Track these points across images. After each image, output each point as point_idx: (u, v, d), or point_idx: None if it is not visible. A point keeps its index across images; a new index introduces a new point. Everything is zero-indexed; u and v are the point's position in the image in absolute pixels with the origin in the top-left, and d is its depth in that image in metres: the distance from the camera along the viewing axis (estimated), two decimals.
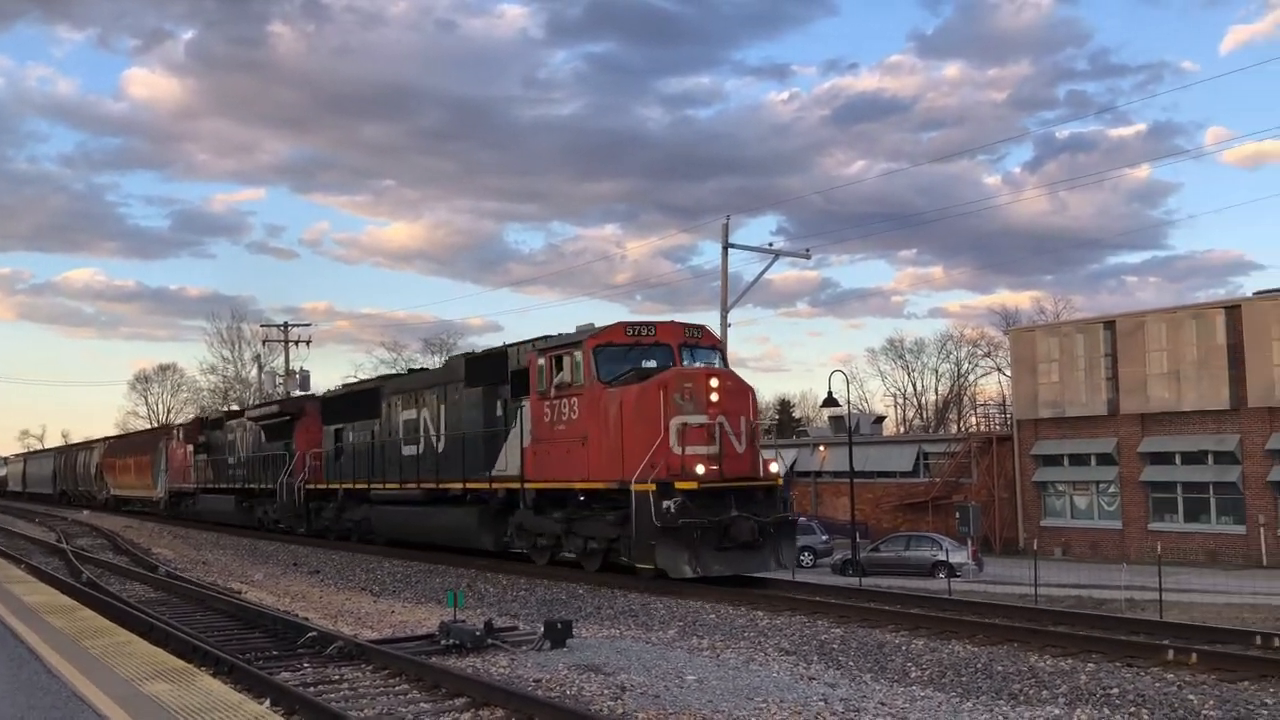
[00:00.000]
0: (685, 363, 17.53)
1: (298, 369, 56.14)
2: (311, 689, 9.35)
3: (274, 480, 30.93)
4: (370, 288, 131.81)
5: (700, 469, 15.91)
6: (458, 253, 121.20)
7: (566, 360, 17.91)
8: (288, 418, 30.92)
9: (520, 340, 20.30)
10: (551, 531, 18.87)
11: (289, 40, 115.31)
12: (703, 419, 16.33)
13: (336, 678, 10.03)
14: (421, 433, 23.33)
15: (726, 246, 32.64)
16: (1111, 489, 37.63)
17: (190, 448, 40.21)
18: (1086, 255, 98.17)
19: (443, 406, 22.47)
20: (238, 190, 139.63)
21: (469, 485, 21.07)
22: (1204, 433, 34.04)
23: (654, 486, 15.62)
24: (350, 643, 11.20)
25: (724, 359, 18.84)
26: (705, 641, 12.10)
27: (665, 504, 15.48)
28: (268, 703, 8.52)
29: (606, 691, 9.24)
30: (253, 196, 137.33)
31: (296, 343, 59.76)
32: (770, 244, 34.12)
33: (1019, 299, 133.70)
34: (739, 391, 17.20)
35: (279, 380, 56.98)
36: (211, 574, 21.72)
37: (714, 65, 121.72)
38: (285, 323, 60.19)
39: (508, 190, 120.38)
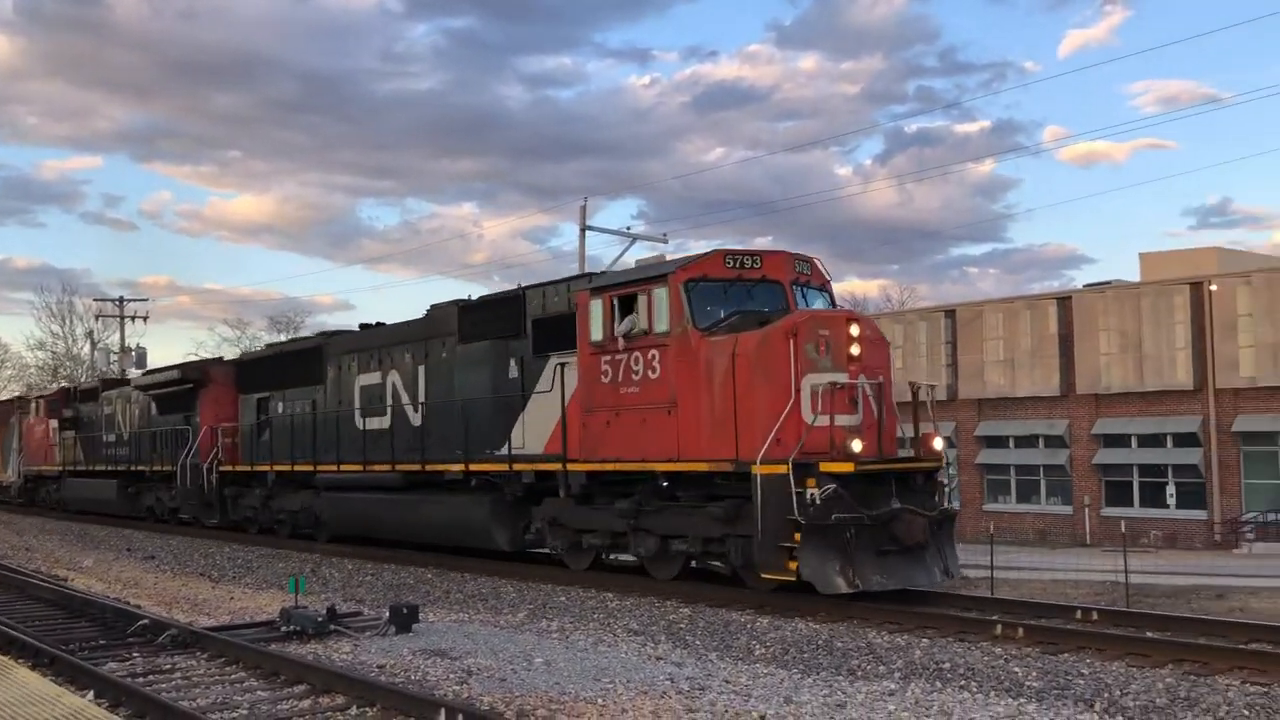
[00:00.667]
0: (799, 306, 13.63)
1: (134, 346, 53.70)
2: (140, 679, 8.95)
3: (173, 461, 25.99)
4: (214, 262, 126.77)
5: (856, 445, 12.05)
6: (308, 228, 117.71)
7: (642, 301, 13.63)
8: (190, 385, 26.16)
9: (542, 281, 16.32)
10: (608, 528, 14.57)
11: (130, 1, 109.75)
12: (843, 378, 12.48)
13: (168, 667, 9.63)
14: (389, 401, 19.08)
15: (584, 229, 32.65)
16: (950, 471, 39.27)
17: (54, 423, 34.86)
18: (931, 246, 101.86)
19: (421, 368, 18.26)
20: (72, 157, 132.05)
21: (476, 468, 16.64)
22: (1036, 417, 35.76)
23: (788, 468, 11.80)
24: (184, 630, 10.78)
25: (833, 303, 14.65)
26: (555, 624, 12.09)
27: (810, 492, 11.73)
28: (91, 695, 8.12)
29: (452, 676, 9.13)
30: (88, 164, 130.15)
31: (133, 318, 57.27)
32: (628, 227, 34.26)
33: (867, 287, 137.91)
34: (879, 343, 13.49)
35: (113, 357, 54.40)
36: (35, 560, 20.60)
37: (575, 46, 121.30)
38: (121, 297, 57.60)
39: (362, 165, 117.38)
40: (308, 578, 16.50)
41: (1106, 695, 8.20)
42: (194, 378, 26.36)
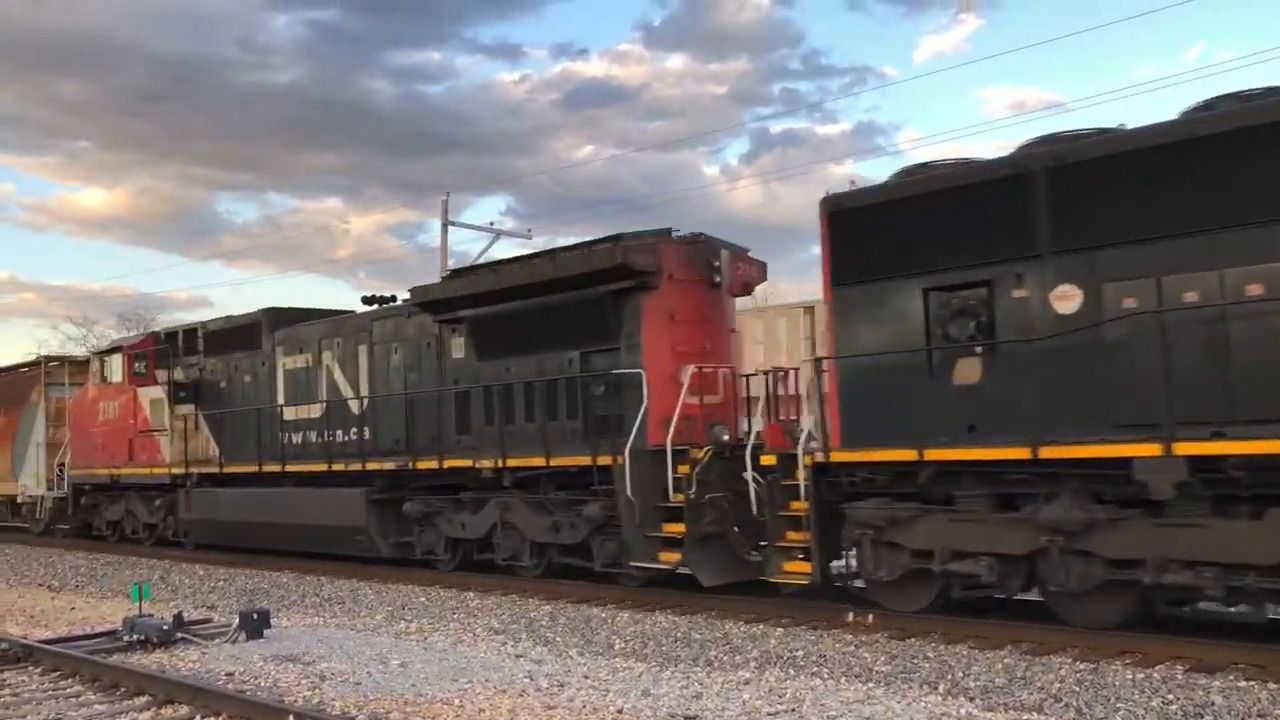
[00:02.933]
0: None
1: None
2: None
3: (585, 442, 13.08)
4: (60, 257, 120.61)
5: None
6: (162, 222, 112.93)
7: None
8: (628, 287, 12.91)
9: None
10: None
11: None
12: None
13: None
14: None
15: (446, 224, 32.29)
16: None
17: (147, 394, 20.55)
18: (795, 244, 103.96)
19: None
20: None
21: None
22: None
23: None
24: (16, 644, 10.24)
25: None
26: (413, 625, 11.91)
27: None
28: None
29: (305, 681, 8.91)
30: None
31: None
32: (491, 223, 34.01)
33: None
34: None
35: None
36: None
37: (445, 41, 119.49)
38: None
39: (220, 158, 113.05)
40: (156, 585, 15.90)
41: (950, 677, 8.52)
42: (641, 267, 12.76)
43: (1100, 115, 20.91)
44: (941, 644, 9.69)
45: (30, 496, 24.49)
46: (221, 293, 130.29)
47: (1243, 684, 7.91)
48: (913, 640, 9.92)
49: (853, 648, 9.77)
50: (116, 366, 21.36)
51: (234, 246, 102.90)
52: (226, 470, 18.86)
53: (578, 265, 13.20)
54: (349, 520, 15.98)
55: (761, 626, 10.93)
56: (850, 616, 10.78)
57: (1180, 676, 8.20)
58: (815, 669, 9.03)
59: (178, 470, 19.80)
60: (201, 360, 20.25)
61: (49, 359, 25.79)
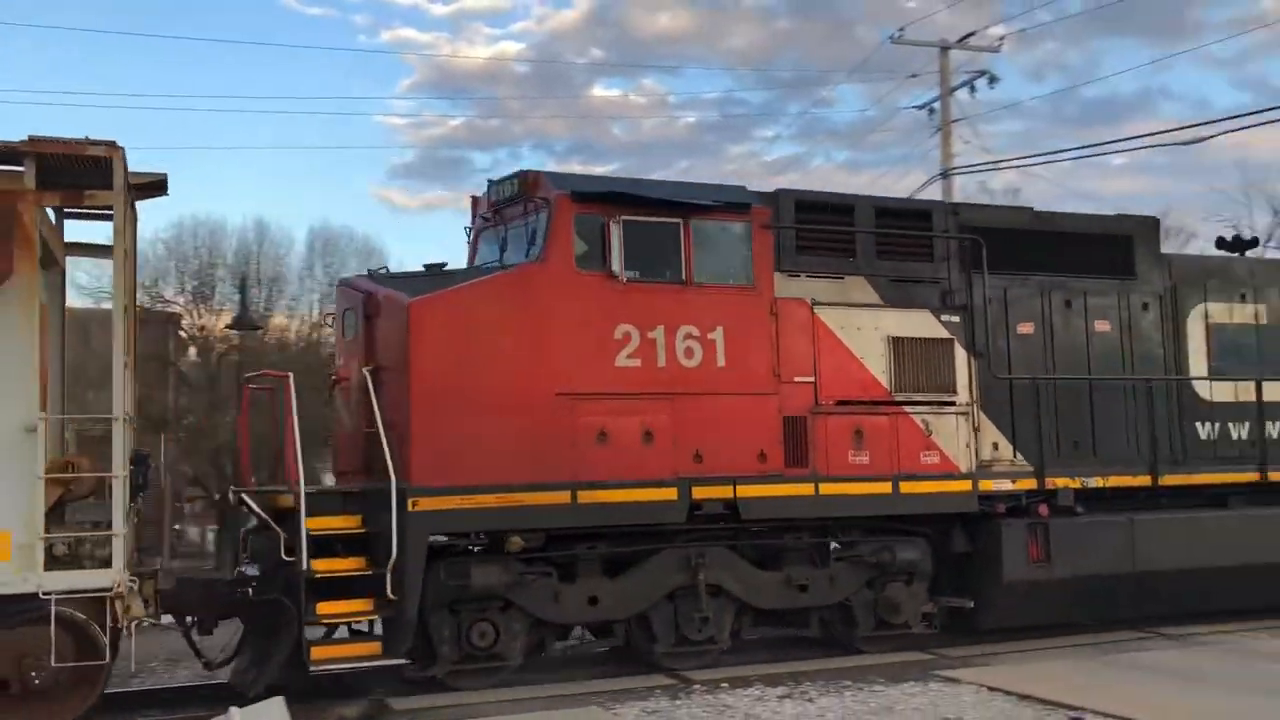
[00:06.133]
0: None
1: None
2: None
3: None
4: None
5: None
6: None
7: None
8: None
9: None
10: None
11: None
12: None
13: None
14: None
15: None
16: None
17: (860, 323, 10.29)
18: None
19: None
20: None
21: None
22: None
23: None
24: None
25: None
26: None
27: None
28: None
29: None
30: None
31: None
32: None
33: None
34: None
35: None
36: None
37: None
38: None
39: None
40: None
41: None
42: None
43: None
44: None
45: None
46: None
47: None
48: None
49: None
50: (741, 248, 9.82)
51: None
52: (1113, 483, 11.17)
53: None
54: None
55: None
56: None
57: None
58: None
59: (1005, 483, 10.51)
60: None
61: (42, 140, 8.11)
